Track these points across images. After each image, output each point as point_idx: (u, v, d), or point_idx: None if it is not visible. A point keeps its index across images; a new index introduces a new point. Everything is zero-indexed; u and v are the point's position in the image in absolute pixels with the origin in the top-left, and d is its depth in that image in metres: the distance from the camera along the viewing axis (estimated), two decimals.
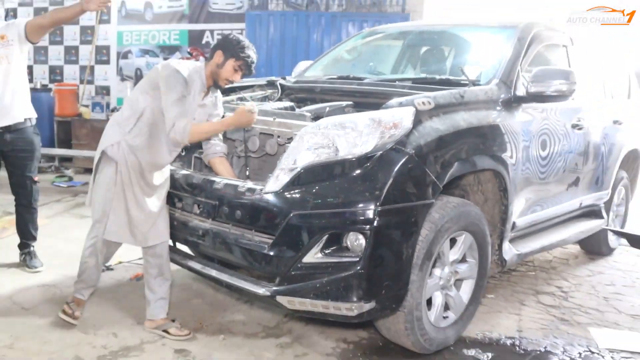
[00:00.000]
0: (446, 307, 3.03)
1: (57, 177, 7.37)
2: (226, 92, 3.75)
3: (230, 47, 2.94)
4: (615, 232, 4.92)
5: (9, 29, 3.73)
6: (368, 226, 2.43)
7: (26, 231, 4.01)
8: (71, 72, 9.88)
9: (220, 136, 3.20)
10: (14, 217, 4.07)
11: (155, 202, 2.97)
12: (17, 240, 4.05)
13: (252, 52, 2.97)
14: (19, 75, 3.79)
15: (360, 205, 2.45)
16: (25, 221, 4.01)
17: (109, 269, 4.00)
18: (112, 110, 8.90)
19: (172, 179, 3.08)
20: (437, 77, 3.62)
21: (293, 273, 2.53)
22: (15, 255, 4.05)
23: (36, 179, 3.99)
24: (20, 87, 3.81)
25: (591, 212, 4.59)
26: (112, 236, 2.97)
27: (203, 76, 2.97)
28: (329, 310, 2.54)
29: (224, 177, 3.01)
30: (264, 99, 3.82)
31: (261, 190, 2.63)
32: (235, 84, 3.86)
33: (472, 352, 3.06)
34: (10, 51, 3.72)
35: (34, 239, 4.04)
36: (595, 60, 4.61)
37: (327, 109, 3.10)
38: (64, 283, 3.69)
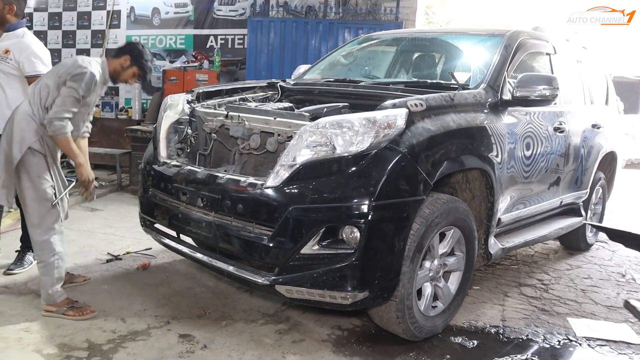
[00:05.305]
0: (435, 297, 3.04)
1: (68, 172, 7.32)
2: (229, 92, 3.74)
3: (137, 57, 3.23)
4: (597, 227, 4.93)
5: (15, 48, 3.58)
6: (363, 220, 2.43)
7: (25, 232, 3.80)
8: None
9: (89, 123, 3.35)
10: None
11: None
12: None
13: (151, 64, 3.32)
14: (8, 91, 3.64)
15: (356, 200, 2.45)
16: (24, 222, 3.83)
17: (117, 258, 3.99)
18: (121, 110, 8.88)
19: (178, 173, 3.07)
20: (429, 81, 3.62)
21: (291, 263, 2.52)
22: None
23: None
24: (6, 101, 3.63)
25: (571, 210, 4.59)
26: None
27: (107, 72, 3.17)
28: (324, 299, 2.54)
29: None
30: (265, 99, 3.81)
31: (262, 185, 2.62)
32: (237, 85, 3.87)
33: (458, 339, 3.06)
34: (8, 69, 3.60)
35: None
36: (576, 68, 4.61)
37: (325, 109, 3.08)
38: (75, 271, 3.67)
